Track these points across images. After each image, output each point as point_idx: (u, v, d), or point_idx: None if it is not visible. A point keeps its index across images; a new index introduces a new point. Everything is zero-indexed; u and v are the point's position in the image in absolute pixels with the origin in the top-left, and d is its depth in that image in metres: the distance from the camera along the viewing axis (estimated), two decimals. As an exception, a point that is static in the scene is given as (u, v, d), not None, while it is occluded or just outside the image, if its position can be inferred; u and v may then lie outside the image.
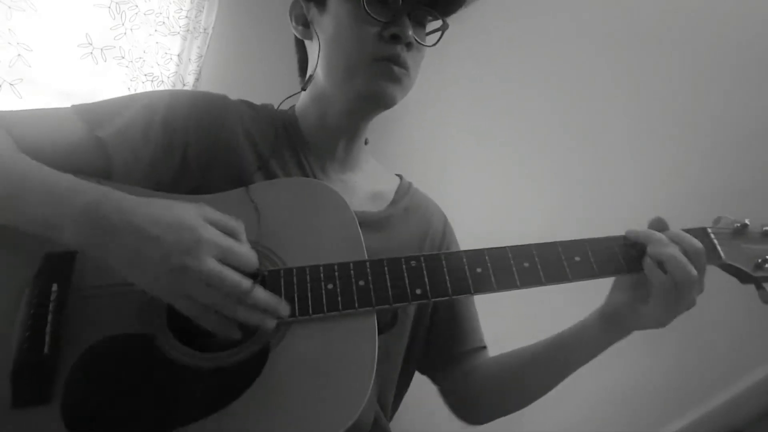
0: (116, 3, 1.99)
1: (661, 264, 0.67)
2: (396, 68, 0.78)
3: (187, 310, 0.58)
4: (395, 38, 0.76)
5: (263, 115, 0.88)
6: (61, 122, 0.74)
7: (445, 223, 0.98)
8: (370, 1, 0.76)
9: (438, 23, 0.84)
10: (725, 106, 1.35)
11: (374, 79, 0.78)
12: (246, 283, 0.57)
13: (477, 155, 1.99)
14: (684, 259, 0.66)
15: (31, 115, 0.75)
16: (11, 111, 0.75)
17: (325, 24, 0.81)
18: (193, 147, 0.78)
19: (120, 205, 0.58)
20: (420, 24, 0.82)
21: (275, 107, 0.91)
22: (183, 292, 0.56)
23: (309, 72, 0.87)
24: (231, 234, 0.60)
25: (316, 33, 0.83)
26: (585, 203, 1.60)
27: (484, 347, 0.95)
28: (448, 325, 0.92)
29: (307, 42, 0.88)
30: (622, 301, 0.73)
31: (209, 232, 0.57)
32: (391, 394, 0.88)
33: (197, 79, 2.21)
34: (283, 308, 0.61)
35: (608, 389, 1.47)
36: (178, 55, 2.17)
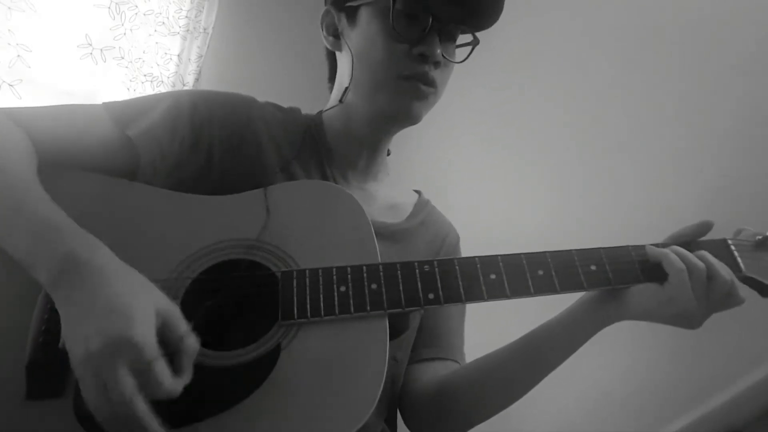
0: (116, 3, 1.98)
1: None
2: (423, 87, 0.78)
3: (86, 397, 0.53)
4: (423, 57, 0.76)
5: (290, 118, 0.88)
6: (92, 120, 0.73)
7: (457, 243, 0.97)
8: (399, 19, 0.75)
9: (469, 36, 0.83)
10: (726, 109, 1.36)
11: (400, 97, 0.78)
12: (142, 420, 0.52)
13: (483, 160, 2.00)
14: (689, 291, 0.64)
15: (59, 111, 0.75)
16: (34, 108, 0.74)
17: (355, 38, 0.81)
18: (217, 147, 0.78)
19: (95, 267, 0.55)
20: (450, 39, 0.81)
21: (302, 112, 0.91)
22: (86, 375, 0.52)
23: (339, 81, 0.87)
24: (174, 345, 0.56)
25: (348, 45, 0.82)
26: (591, 208, 1.61)
27: (455, 361, 0.89)
28: (423, 331, 0.89)
29: (337, 52, 0.88)
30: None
31: (143, 338, 0.52)
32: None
33: (197, 80, 2.20)
34: None
35: (609, 389, 1.48)
36: (178, 56, 2.16)
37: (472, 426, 0.83)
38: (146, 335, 0.52)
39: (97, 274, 0.55)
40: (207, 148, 0.78)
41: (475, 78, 2.02)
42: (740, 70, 1.35)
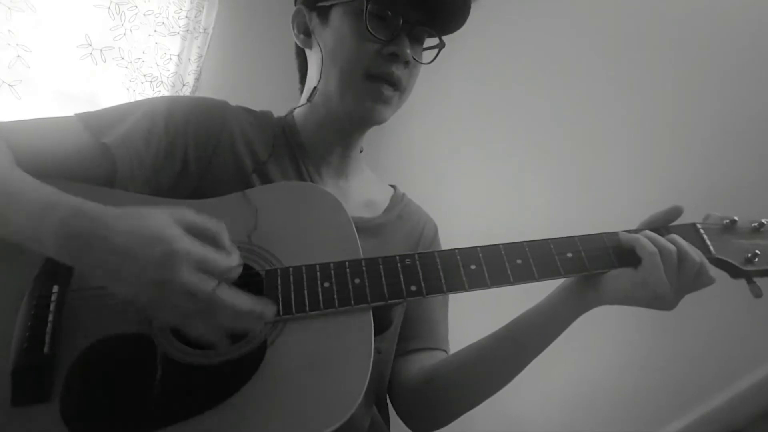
0: (116, 3, 1.99)
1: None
2: (386, 90, 0.80)
3: (171, 320, 0.58)
4: (393, 56, 0.78)
5: (262, 120, 0.89)
6: (65, 131, 0.74)
7: (435, 234, 0.99)
8: (371, 19, 0.77)
9: (435, 40, 0.85)
10: (719, 107, 1.35)
11: (363, 99, 0.80)
12: (230, 300, 0.56)
13: (472, 159, 2.00)
14: (662, 273, 0.67)
15: (33, 125, 0.76)
16: (11, 121, 0.75)
17: (326, 36, 0.83)
18: (193, 152, 0.79)
19: (93, 220, 0.57)
20: (418, 41, 0.83)
21: (274, 115, 0.92)
22: (164, 303, 0.56)
23: (309, 82, 0.88)
24: (210, 238, 0.59)
25: (318, 43, 0.84)
26: (581, 206, 1.61)
27: (442, 350, 0.91)
28: (408, 322, 0.91)
29: (307, 51, 0.89)
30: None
31: (183, 242, 0.56)
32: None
33: (197, 80, 2.21)
34: (269, 310, 0.60)
35: (609, 389, 1.47)
36: (178, 56, 2.18)
37: (460, 414, 0.85)
38: (182, 239, 0.56)
39: (103, 224, 0.57)
40: (182, 155, 0.78)
41: (466, 74, 2.03)
42: (737, 70, 1.34)
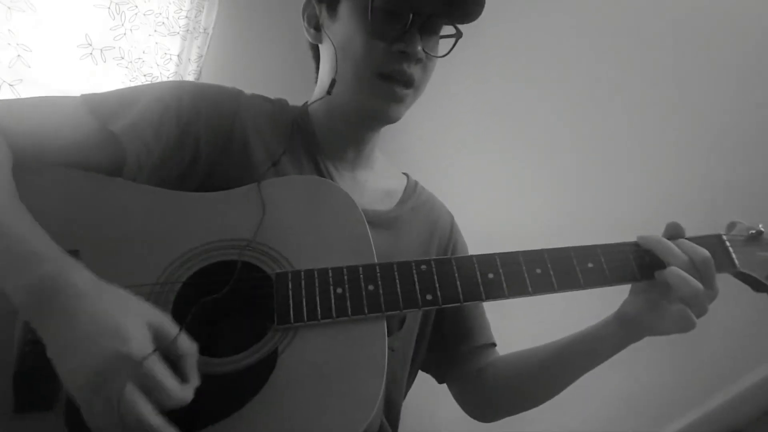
0: (116, 3, 1.98)
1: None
2: (398, 89, 0.77)
3: (89, 419, 0.52)
4: (403, 54, 0.75)
5: (278, 109, 0.86)
6: (70, 115, 0.70)
7: (452, 223, 0.97)
8: (378, 15, 0.74)
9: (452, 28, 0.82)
10: (726, 107, 1.35)
11: (376, 98, 0.77)
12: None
13: (482, 155, 1.99)
14: (685, 276, 0.65)
15: (36, 105, 0.72)
16: (14, 101, 0.72)
17: (336, 31, 0.80)
18: (204, 143, 0.76)
19: (72, 289, 0.53)
20: (432, 32, 0.79)
21: (289, 103, 0.90)
22: (89, 402, 0.51)
23: (322, 74, 0.86)
24: (175, 357, 0.55)
25: (329, 38, 0.81)
26: (589, 203, 1.61)
27: (494, 344, 0.95)
28: (455, 322, 0.92)
29: (320, 44, 0.87)
30: (638, 304, 0.72)
31: (139, 350, 0.51)
32: (401, 396, 0.87)
33: (197, 80, 2.20)
34: None
35: (609, 390, 1.48)
36: (178, 56, 2.16)
37: (527, 409, 0.89)
38: (144, 348, 0.51)
39: (76, 297, 0.53)
40: (193, 144, 0.75)
41: (476, 72, 2.03)
42: (739, 68, 1.35)
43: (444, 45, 0.83)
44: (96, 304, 0.53)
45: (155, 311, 0.56)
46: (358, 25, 0.76)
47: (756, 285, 0.72)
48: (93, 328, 0.51)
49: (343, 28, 0.78)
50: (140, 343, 0.51)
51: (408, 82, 0.77)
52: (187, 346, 0.56)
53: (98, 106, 0.72)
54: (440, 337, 0.91)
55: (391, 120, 0.80)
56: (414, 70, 0.77)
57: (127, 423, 0.49)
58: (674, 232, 0.71)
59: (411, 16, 0.74)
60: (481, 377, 0.91)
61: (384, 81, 0.76)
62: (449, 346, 0.92)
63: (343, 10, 0.79)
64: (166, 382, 0.51)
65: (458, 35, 0.81)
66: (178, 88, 0.79)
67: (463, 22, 0.80)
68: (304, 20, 0.86)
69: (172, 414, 0.53)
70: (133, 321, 0.53)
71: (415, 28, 0.75)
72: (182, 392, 0.53)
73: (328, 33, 0.81)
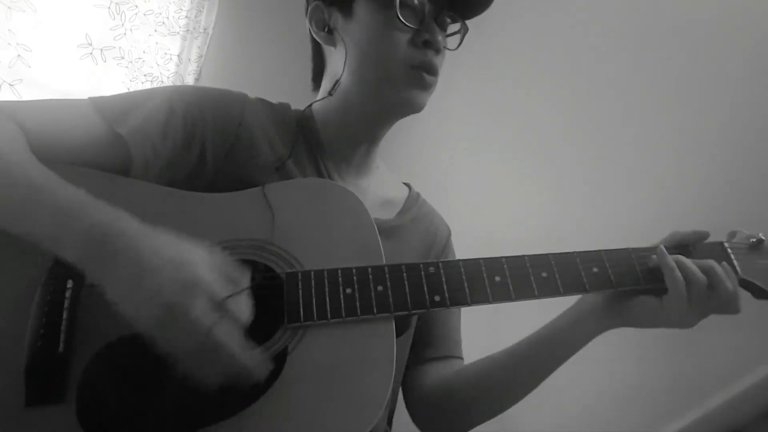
0: (116, 3, 1.98)
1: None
2: (427, 77, 0.79)
3: (165, 348, 0.54)
4: (427, 44, 0.78)
5: (281, 114, 0.87)
6: (78, 117, 0.72)
7: (448, 238, 0.98)
8: (401, 9, 0.76)
9: (455, 26, 0.85)
10: (728, 110, 1.36)
11: (407, 88, 0.79)
12: (232, 348, 0.55)
13: (483, 157, 2.00)
14: (686, 302, 0.66)
15: (46, 107, 0.73)
16: (25, 102, 0.73)
17: (352, 31, 0.81)
18: (210, 146, 0.77)
19: (127, 231, 0.56)
20: (443, 27, 0.82)
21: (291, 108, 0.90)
22: (166, 330, 0.53)
23: (331, 77, 0.86)
24: (233, 283, 0.57)
25: (343, 39, 0.82)
26: (588, 208, 1.62)
27: (458, 357, 0.92)
28: (423, 329, 0.90)
29: (326, 47, 0.87)
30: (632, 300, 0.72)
31: (209, 276, 0.55)
32: (394, 402, 0.88)
33: (197, 80, 2.20)
34: (261, 371, 0.58)
35: (609, 390, 1.48)
36: (178, 56, 2.16)
37: (479, 423, 0.85)
38: (213, 275, 0.55)
39: (135, 237, 0.55)
40: (200, 147, 0.76)
41: (477, 74, 2.03)
42: (740, 69, 1.35)
43: (448, 43, 0.85)
44: (152, 241, 0.56)
45: (202, 246, 0.59)
46: (380, 19, 0.78)
47: (757, 292, 0.73)
48: (161, 260, 0.54)
49: (362, 27, 0.80)
50: (206, 269, 0.55)
51: (435, 71, 0.80)
52: (239, 273, 0.59)
53: (106, 108, 0.73)
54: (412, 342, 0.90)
55: (419, 108, 0.82)
56: (437, 60, 0.80)
57: (206, 341, 0.52)
58: (696, 238, 0.73)
59: (428, 5, 0.77)
60: (447, 390, 0.87)
61: (414, 71, 0.79)
62: (415, 349, 0.89)
63: (360, 9, 0.80)
64: (238, 309, 0.56)
65: (465, 30, 0.85)
66: (184, 91, 0.81)
67: (469, 17, 0.83)
68: (312, 25, 0.86)
69: (179, 411, 0.54)
70: (192, 250, 0.56)
71: (432, 19, 0.78)
72: (246, 308, 0.58)
73: (343, 35, 0.82)
